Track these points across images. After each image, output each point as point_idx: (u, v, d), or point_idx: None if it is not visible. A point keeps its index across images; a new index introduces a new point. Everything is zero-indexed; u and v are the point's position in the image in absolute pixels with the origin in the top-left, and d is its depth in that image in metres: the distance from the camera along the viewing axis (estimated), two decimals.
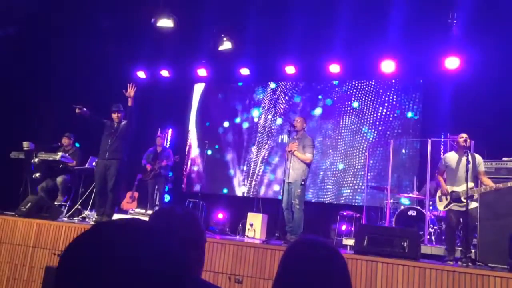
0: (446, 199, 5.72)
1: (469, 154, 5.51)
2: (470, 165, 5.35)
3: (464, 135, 5.69)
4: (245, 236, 7.31)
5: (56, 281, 0.73)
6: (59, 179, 7.52)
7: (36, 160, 7.28)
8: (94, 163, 7.11)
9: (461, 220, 5.66)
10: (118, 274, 0.69)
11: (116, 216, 6.73)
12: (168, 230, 1.49)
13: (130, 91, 6.59)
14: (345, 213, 7.83)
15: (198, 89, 10.95)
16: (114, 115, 6.73)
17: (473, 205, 5.47)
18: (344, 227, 7.69)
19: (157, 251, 0.74)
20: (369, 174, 8.33)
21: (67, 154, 7.64)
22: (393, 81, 9.07)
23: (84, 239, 0.75)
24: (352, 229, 7.48)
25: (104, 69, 9.57)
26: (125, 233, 0.75)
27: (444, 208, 5.80)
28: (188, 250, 1.50)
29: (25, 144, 7.29)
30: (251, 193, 9.64)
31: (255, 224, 7.56)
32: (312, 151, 6.23)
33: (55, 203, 7.27)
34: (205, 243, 1.67)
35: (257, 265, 4.90)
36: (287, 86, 10.11)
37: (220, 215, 8.61)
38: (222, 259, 5.10)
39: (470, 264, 4.84)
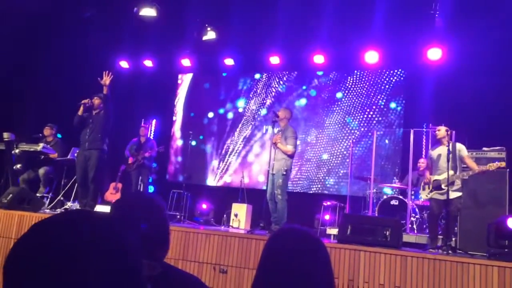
0: (429, 187, 5.83)
1: (450, 144, 5.61)
2: (451, 155, 5.44)
3: (442, 128, 5.80)
4: (230, 227, 7.33)
5: (4, 281, 0.73)
6: (41, 171, 7.42)
7: (17, 151, 7.16)
8: (75, 154, 7.02)
9: (443, 209, 5.77)
10: (62, 271, 0.69)
11: (99, 207, 6.69)
12: (127, 219, 1.51)
13: (106, 79, 6.49)
14: (328, 203, 7.90)
15: (187, 79, 10.86)
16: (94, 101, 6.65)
17: (456, 194, 5.56)
18: (327, 217, 7.76)
19: (108, 243, 0.74)
20: (353, 164, 8.40)
21: (48, 146, 7.53)
22: (377, 72, 9.12)
23: (28, 239, 0.75)
24: (336, 218, 7.55)
25: (87, 59, 9.42)
26: (71, 229, 0.74)
27: (426, 196, 5.92)
28: (149, 236, 1.52)
29: (6, 135, 7.16)
30: (236, 184, 9.65)
31: (240, 214, 7.57)
32: (293, 143, 6.22)
33: (37, 194, 7.17)
34: (169, 229, 1.68)
35: (241, 255, 4.92)
36: (272, 77, 10.10)
37: (204, 206, 8.60)
38: (206, 249, 5.11)
39: (450, 252, 4.94)
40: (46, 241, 0.72)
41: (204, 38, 8.92)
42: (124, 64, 10.44)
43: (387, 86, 9.07)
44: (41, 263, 0.69)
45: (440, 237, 5.77)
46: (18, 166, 7.25)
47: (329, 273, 1.38)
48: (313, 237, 1.41)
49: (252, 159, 9.88)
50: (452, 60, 8.04)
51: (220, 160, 10.16)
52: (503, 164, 5.43)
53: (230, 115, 10.32)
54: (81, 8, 8.45)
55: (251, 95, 10.22)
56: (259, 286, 1.35)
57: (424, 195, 6.02)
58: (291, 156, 6.24)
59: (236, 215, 7.57)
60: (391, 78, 9.07)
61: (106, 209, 6.61)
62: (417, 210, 7.20)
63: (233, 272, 4.92)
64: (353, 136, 8.88)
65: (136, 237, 0.80)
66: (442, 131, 5.79)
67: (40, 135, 7.85)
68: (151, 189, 9.48)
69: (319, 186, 9.21)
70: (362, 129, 9.07)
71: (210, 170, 10.19)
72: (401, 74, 9.02)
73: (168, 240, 1.66)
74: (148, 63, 10.29)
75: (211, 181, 10.12)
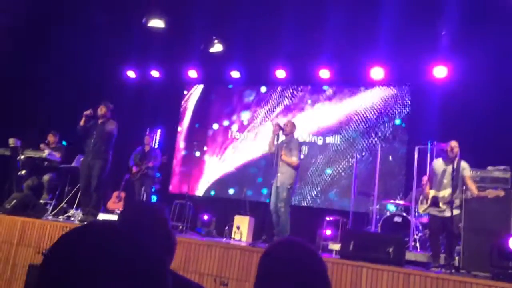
0: (427, 202, 5.78)
1: (455, 162, 5.59)
2: (455, 174, 5.42)
3: (453, 143, 5.73)
4: (232, 239, 7.30)
5: (39, 280, 0.74)
6: (45, 177, 7.45)
7: (22, 157, 7.20)
8: (80, 162, 7.05)
9: (444, 226, 5.71)
10: (101, 275, 0.70)
11: (101, 216, 6.69)
12: (133, 229, 1.52)
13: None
14: (331, 218, 7.86)
15: (197, 90, 10.89)
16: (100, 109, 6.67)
17: (455, 212, 5.52)
18: (329, 232, 7.71)
19: (139, 251, 0.76)
20: (356, 179, 8.37)
21: (52, 152, 7.57)
22: (382, 88, 9.14)
23: (71, 239, 0.76)
24: (338, 234, 7.50)
25: (94, 67, 9.51)
26: (107, 235, 0.76)
27: (423, 211, 5.89)
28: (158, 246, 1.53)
29: (11, 141, 7.21)
30: (239, 196, 9.63)
31: (242, 226, 7.55)
32: (297, 154, 6.25)
33: (41, 201, 7.19)
34: (175, 240, 1.70)
35: (243, 268, 4.90)
36: (277, 90, 10.14)
37: (205, 217, 8.59)
38: (208, 260, 5.10)
39: (453, 271, 4.90)
40: (81, 248, 0.73)
41: (211, 50, 8.99)
42: (131, 73, 10.53)
43: (391, 102, 9.09)
44: (74, 270, 0.70)
45: (443, 255, 5.72)
46: (23, 172, 7.29)
47: (325, 284, 1.38)
48: (309, 249, 1.41)
49: (255, 171, 9.87)
50: (457, 77, 8.06)
51: (223, 172, 10.16)
52: (502, 193, 5.34)
53: (234, 127, 10.35)
54: (89, 16, 8.52)
55: (256, 108, 10.26)
56: None
57: (421, 209, 6.00)
58: (295, 168, 6.26)
59: (238, 228, 7.54)
60: (396, 95, 9.09)
61: (108, 217, 6.62)
62: (420, 227, 7.16)
63: (234, 285, 4.89)
64: (357, 152, 8.86)
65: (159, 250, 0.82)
66: (456, 148, 5.72)
67: (46, 141, 7.90)
68: (153, 199, 9.47)
69: (322, 200, 9.19)
70: (366, 145, 9.07)
71: (213, 182, 10.18)
72: (406, 91, 9.03)
73: (173, 251, 1.67)
74: (155, 73, 10.36)
75: (214, 192, 10.11)
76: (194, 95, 10.93)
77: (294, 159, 6.18)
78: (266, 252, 1.43)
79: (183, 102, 10.96)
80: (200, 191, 10.13)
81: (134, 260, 0.74)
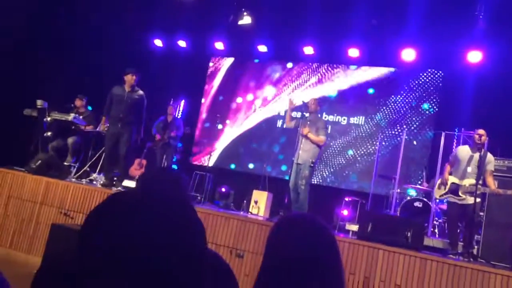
0: (444, 188, 5.67)
1: (482, 151, 5.45)
2: (481, 162, 5.30)
3: (481, 131, 5.58)
4: (249, 213, 7.35)
5: (81, 240, 0.74)
6: (70, 140, 7.58)
7: (48, 119, 7.32)
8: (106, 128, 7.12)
9: (463, 214, 5.61)
10: (148, 243, 0.71)
11: (124, 182, 6.80)
12: (152, 193, 1.52)
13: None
14: (349, 199, 7.82)
15: (227, 63, 10.82)
16: (128, 77, 6.63)
17: (472, 200, 5.39)
18: (345, 212, 7.69)
19: (183, 222, 0.77)
20: (378, 162, 8.28)
21: (80, 117, 7.67)
22: (412, 71, 8.92)
23: (115, 204, 0.76)
24: (356, 215, 7.47)
25: (121, 34, 9.52)
26: (154, 204, 0.77)
27: (440, 196, 5.78)
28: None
29: (39, 102, 7.32)
30: (258, 171, 9.65)
31: (260, 201, 7.57)
32: (325, 133, 6.23)
33: (65, 163, 7.34)
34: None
35: (259, 241, 4.93)
36: (304, 67, 10.00)
37: (223, 189, 8.65)
38: (225, 232, 5.14)
39: (471, 259, 4.84)
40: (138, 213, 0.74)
41: (240, 22, 8.87)
42: (158, 42, 10.52)
43: (421, 86, 8.87)
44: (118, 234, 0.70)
45: (461, 243, 5.65)
46: (49, 133, 7.42)
47: (337, 261, 1.34)
48: (319, 224, 1.37)
49: (277, 148, 9.85)
50: (491, 64, 7.79)
51: (244, 146, 10.17)
52: None
53: (258, 102, 10.29)
54: None
55: (281, 84, 10.16)
56: (266, 274, 1.33)
57: (437, 194, 5.84)
58: (320, 147, 6.23)
59: (256, 202, 7.58)
60: (427, 78, 8.86)
61: (130, 184, 6.72)
62: (441, 214, 7.07)
63: (249, 257, 4.94)
64: (381, 134, 8.73)
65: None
66: (484, 137, 5.57)
67: (72, 105, 8.00)
68: (174, 168, 9.57)
69: (341, 181, 9.13)
70: (391, 127, 8.92)
71: (234, 155, 10.21)
72: (438, 75, 8.80)
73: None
74: (182, 43, 10.32)
75: (234, 165, 10.14)
76: (220, 67, 10.88)
77: (322, 138, 6.14)
78: (275, 225, 1.39)
79: (208, 73, 10.93)
80: (220, 164, 10.18)
81: (177, 232, 0.75)
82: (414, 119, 8.80)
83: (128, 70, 6.65)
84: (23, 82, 8.36)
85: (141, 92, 6.75)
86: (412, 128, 8.71)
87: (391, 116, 8.99)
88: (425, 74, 8.87)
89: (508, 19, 7.19)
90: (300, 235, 1.31)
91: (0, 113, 7.67)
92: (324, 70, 9.81)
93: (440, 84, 8.74)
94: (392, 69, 9.13)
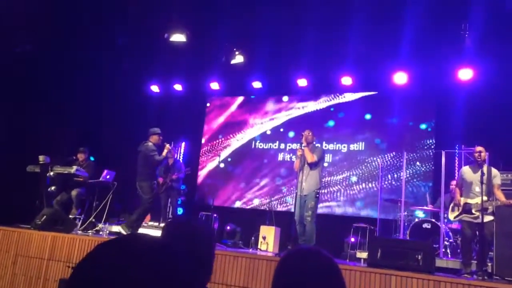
0: (458, 209, 5.68)
1: (484, 167, 5.46)
2: (485, 177, 5.29)
3: (479, 148, 5.62)
4: (258, 249, 7.28)
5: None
6: (74, 192, 7.61)
7: (51, 173, 7.38)
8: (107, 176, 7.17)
9: (477, 232, 5.58)
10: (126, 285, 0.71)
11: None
12: (179, 244, 1.53)
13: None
14: (358, 226, 7.76)
15: (220, 102, 10.98)
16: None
17: (488, 218, 5.39)
18: (353, 240, 7.61)
19: (166, 270, 0.75)
20: (383, 186, 8.27)
21: (81, 168, 7.73)
22: (406, 93, 9.02)
23: (95, 255, 0.77)
24: (366, 242, 7.39)
25: (119, 84, 9.72)
26: (134, 251, 0.76)
27: (455, 218, 5.77)
28: (196, 263, 1.53)
29: (41, 158, 7.40)
30: (264, 206, 9.62)
31: (268, 237, 7.53)
32: (319, 156, 6.27)
33: (70, 216, 7.34)
34: (214, 257, 1.71)
35: (269, 278, 4.86)
36: (300, 99, 10.12)
37: (228, 227, 8.62)
38: (234, 272, 5.09)
39: (486, 277, 4.76)
40: (106, 264, 0.74)
41: (233, 62, 9.06)
42: (154, 88, 10.71)
43: (416, 107, 8.95)
44: (100, 286, 0.72)
45: (474, 261, 5.57)
46: (52, 188, 7.46)
47: None
48: (325, 257, 1.38)
49: (279, 181, 9.85)
50: (483, 79, 7.89)
51: (248, 183, 10.17)
52: None
53: (258, 138, 10.36)
54: (113, 35, 8.72)
55: (278, 118, 10.26)
56: None
57: (452, 216, 5.88)
58: (320, 175, 6.27)
59: (264, 238, 7.53)
60: (420, 99, 8.95)
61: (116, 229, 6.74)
62: (450, 233, 6.99)
63: None
64: (382, 158, 8.74)
65: (189, 263, 0.82)
66: (483, 153, 5.62)
67: (74, 158, 8.08)
68: (180, 211, 9.55)
69: (348, 208, 9.08)
70: (392, 150, 8.94)
71: (238, 193, 10.20)
72: (431, 95, 8.88)
73: (211, 267, 1.68)
74: (178, 87, 10.51)
75: (239, 203, 10.12)
76: (217, 107, 11.02)
77: (315, 156, 6.20)
78: (281, 261, 1.41)
79: (206, 114, 11.06)
80: (225, 202, 10.15)
81: (163, 274, 0.74)
82: (413, 139, 8.83)
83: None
84: (24, 139, 8.47)
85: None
86: (412, 148, 8.72)
87: (390, 139, 9.03)
88: (418, 95, 8.95)
89: (494, 35, 7.33)
90: (305, 269, 1.33)
91: (4, 170, 7.74)
92: (319, 101, 9.92)
93: (434, 103, 8.82)
94: (385, 94, 9.23)
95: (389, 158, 8.89)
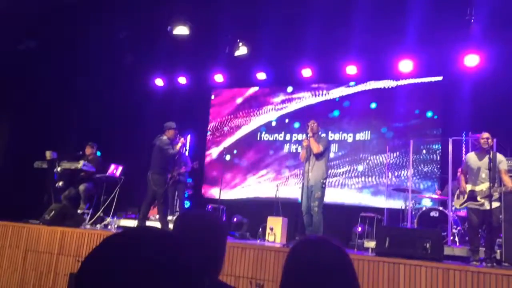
0: (464, 197, 5.64)
1: (491, 153, 5.41)
2: (492, 166, 5.25)
3: (486, 135, 5.57)
4: (266, 240, 7.30)
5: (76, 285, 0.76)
6: (81, 187, 7.65)
7: (59, 169, 7.43)
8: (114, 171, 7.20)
9: (484, 219, 5.55)
10: (133, 284, 0.71)
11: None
12: (189, 237, 1.54)
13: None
14: (365, 215, 7.74)
15: (225, 94, 10.96)
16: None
17: (495, 204, 5.35)
18: (359, 229, 7.60)
19: (173, 262, 0.76)
20: (389, 175, 8.24)
21: (88, 163, 7.77)
22: (411, 80, 8.96)
23: (102, 249, 0.78)
24: (374, 230, 7.38)
25: (123, 78, 9.72)
26: (140, 244, 0.77)
27: (460, 205, 5.74)
28: (206, 255, 1.54)
29: (48, 154, 7.44)
30: (271, 197, 9.61)
31: (275, 228, 7.54)
32: (325, 146, 6.27)
33: (78, 211, 7.39)
34: (225, 250, 1.73)
35: (278, 269, 4.89)
36: (304, 89, 10.08)
37: (235, 219, 8.64)
38: (242, 263, 5.11)
39: (495, 264, 4.74)
40: (114, 257, 0.75)
41: (236, 53, 9.02)
42: (159, 82, 10.70)
43: (422, 95, 8.89)
44: (108, 279, 0.72)
45: (482, 249, 5.55)
46: (60, 183, 7.51)
47: (353, 282, 1.35)
48: (335, 247, 1.38)
49: (286, 172, 9.84)
50: (490, 65, 7.81)
51: (254, 174, 10.17)
52: None
53: (263, 129, 10.35)
54: (115, 29, 8.71)
55: (283, 109, 10.23)
56: None
57: (457, 204, 5.84)
58: (327, 165, 6.27)
59: (271, 229, 7.54)
60: (426, 86, 8.88)
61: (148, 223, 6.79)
62: (459, 221, 6.97)
63: (269, 286, 4.89)
64: (389, 146, 8.70)
65: (198, 256, 0.82)
66: (490, 139, 5.56)
67: (81, 153, 8.11)
68: (187, 204, 9.58)
69: (355, 198, 9.07)
70: (398, 139, 8.89)
71: (244, 184, 10.21)
72: (437, 82, 8.81)
73: (222, 260, 1.69)
74: (182, 80, 10.49)
75: (246, 195, 10.13)
76: (222, 99, 11.00)
77: (320, 146, 6.19)
78: (292, 250, 1.41)
79: (211, 106, 11.05)
80: (232, 194, 10.17)
81: (170, 267, 0.75)
82: (419, 127, 8.77)
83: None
84: (32, 135, 8.51)
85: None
86: (419, 136, 8.67)
87: (396, 127, 8.98)
88: (424, 82, 8.88)
89: (500, 21, 7.24)
90: (315, 258, 1.33)
91: (12, 167, 7.80)
92: (325, 90, 9.88)
93: (440, 91, 8.75)
94: (391, 81, 9.17)
95: (396, 146, 8.85)
